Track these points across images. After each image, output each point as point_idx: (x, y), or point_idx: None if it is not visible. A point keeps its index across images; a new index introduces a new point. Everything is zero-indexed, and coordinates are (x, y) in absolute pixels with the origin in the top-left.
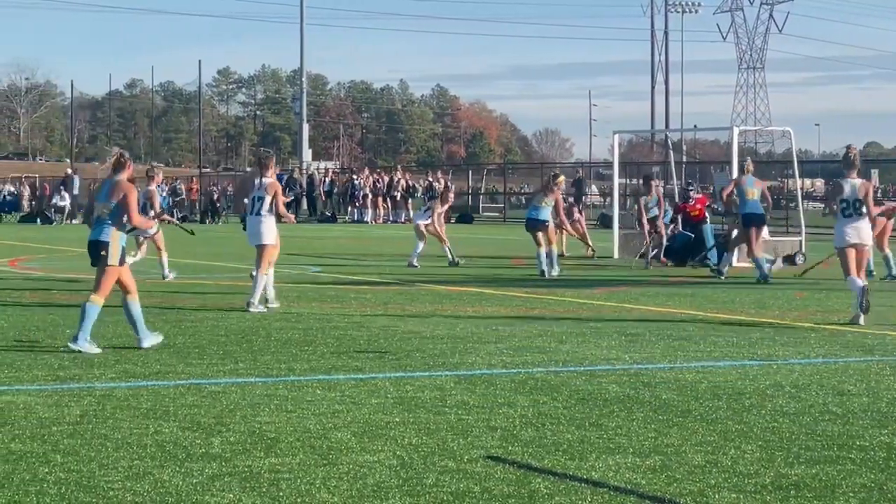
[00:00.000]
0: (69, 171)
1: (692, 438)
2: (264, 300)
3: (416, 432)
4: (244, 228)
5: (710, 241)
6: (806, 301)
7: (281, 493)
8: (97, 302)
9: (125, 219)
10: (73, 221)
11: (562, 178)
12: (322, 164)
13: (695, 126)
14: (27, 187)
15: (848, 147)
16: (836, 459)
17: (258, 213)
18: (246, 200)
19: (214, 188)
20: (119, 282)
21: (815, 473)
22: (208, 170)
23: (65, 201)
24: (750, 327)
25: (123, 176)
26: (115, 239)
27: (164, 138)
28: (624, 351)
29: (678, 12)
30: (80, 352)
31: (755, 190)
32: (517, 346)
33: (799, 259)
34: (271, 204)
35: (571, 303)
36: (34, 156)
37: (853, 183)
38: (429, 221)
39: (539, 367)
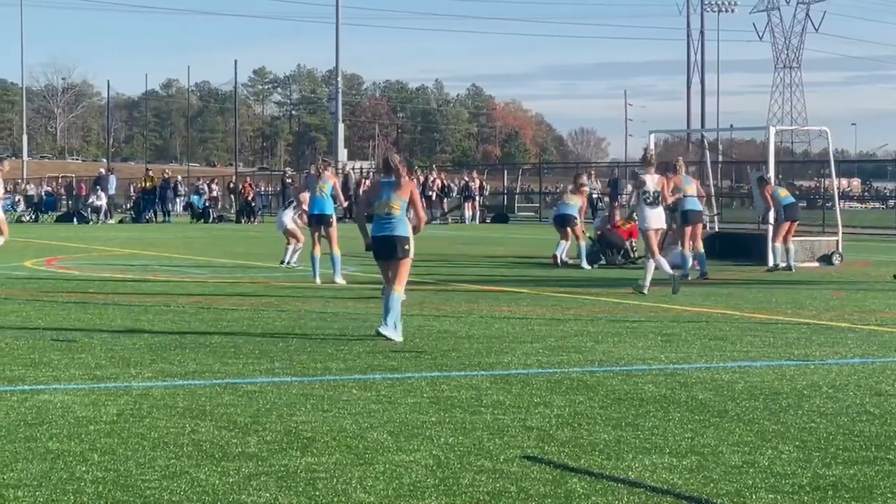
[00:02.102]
0: (102, 170)
1: (729, 439)
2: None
3: (452, 432)
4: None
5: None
6: (843, 301)
7: (317, 493)
8: (401, 292)
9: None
10: (109, 221)
11: (584, 177)
12: (357, 164)
13: (731, 126)
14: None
15: (645, 150)
16: (873, 460)
17: None
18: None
19: (250, 188)
20: (400, 273)
21: (852, 474)
22: (244, 169)
23: (101, 201)
24: (786, 327)
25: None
26: (411, 233)
27: (200, 138)
28: (660, 351)
29: (714, 11)
30: (389, 339)
31: (692, 187)
32: (553, 345)
33: (836, 259)
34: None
35: (607, 302)
36: (70, 154)
37: (653, 178)
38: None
39: (575, 367)
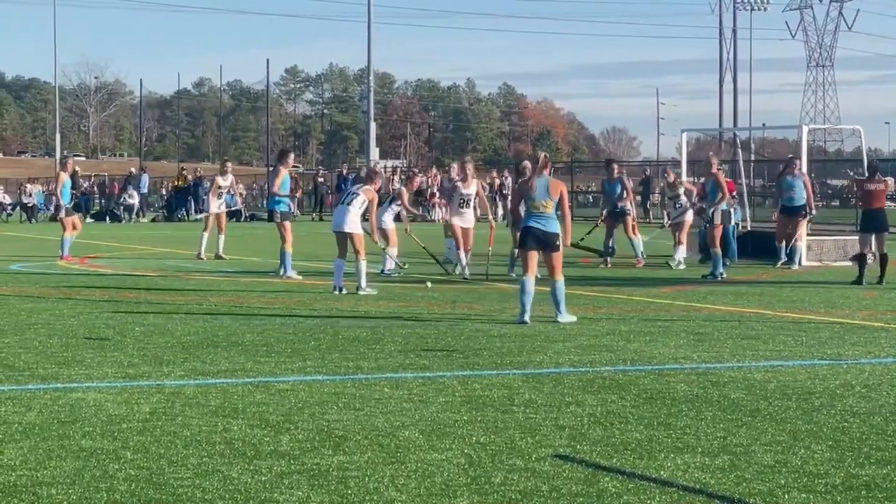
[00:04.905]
0: (133, 170)
1: (761, 438)
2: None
3: (483, 431)
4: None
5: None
6: (876, 301)
7: (349, 491)
8: (561, 279)
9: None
10: (142, 220)
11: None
12: (390, 163)
13: (763, 125)
14: (96, 186)
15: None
16: None
17: (349, 204)
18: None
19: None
20: (555, 265)
21: (885, 474)
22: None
23: (133, 199)
24: (819, 326)
25: (547, 173)
26: (560, 228)
27: (232, 137)
28: (692, 350)
29: (747, 10)
30: (563, 323)
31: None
32: (585, 344)
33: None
34: (362, 203)
35: (639, 301)
36: (102, 153)
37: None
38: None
39: (607, 366)
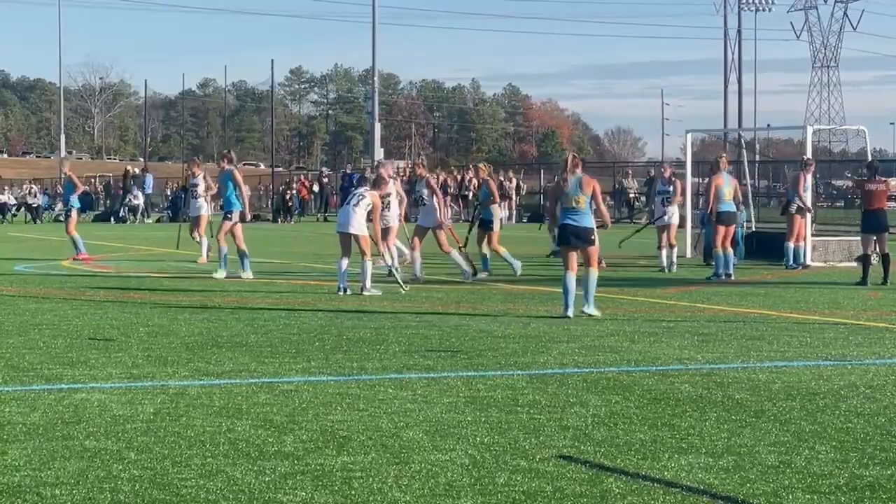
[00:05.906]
0: (137, 169)
1: (765, 439)
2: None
3: (487, 431)
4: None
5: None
6: (881, 301)
7: (353, 492)
8: (596, 270)
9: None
10: (147, 220)
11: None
12: (395, 163)
13: (768, 125)
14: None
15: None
16: None
17: (355, 205)
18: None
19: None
20: (590, 257)
21: (890, 475)
22: (280, 169)
23: (138, 200)
24: (823, 327)
25: (579, 171)
26: (594, 223)
27: (237, 137)
28: (696, 351)
29: (751, 11)
30: (592, 315)
31: (730, 189)
32: (589, 345)
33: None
34: (367, 206)
35: (643, 302)
36: (107, 154)
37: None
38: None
39: (611, 367)
